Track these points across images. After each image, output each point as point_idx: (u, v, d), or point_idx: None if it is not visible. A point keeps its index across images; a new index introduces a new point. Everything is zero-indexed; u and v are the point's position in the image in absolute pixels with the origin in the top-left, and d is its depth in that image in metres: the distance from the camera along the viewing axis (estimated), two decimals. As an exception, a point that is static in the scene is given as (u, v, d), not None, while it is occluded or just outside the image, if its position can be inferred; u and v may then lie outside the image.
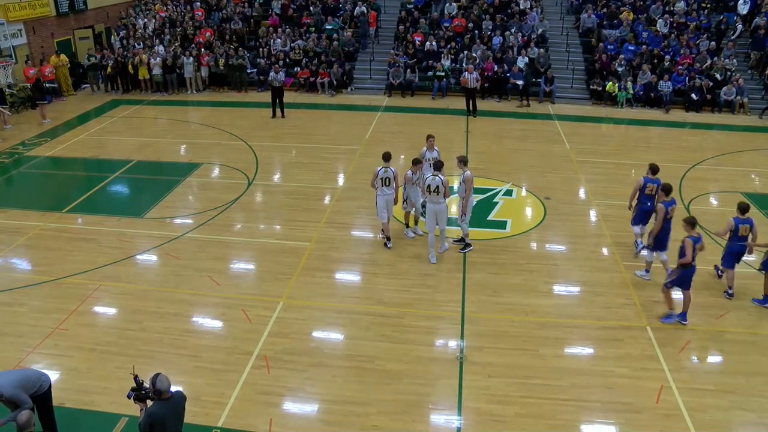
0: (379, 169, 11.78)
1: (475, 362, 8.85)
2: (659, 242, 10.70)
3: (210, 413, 7.86)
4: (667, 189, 10.62)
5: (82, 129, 19.75)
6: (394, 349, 9.12)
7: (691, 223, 9.51)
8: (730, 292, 10.47)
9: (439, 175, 11.16)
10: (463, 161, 11.57)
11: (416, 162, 11.92)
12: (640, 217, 11.62)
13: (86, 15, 26.96)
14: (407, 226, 12.62)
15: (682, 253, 9.39)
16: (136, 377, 6.20)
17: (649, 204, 11.36)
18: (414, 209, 12.43)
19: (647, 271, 11.06)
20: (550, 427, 7.72)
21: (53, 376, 8.00)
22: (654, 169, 11.31)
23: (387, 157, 11.89)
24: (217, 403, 8.04)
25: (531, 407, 8.02)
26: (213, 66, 24.02)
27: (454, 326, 9.68)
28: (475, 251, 11.87)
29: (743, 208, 10.28)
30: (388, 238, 12.08)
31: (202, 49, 24.29)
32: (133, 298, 10.44)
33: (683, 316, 9.75)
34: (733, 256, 10.45)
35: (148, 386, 6.12)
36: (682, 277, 9.56)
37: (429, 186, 11.18)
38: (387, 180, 11.73)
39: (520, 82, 22.46)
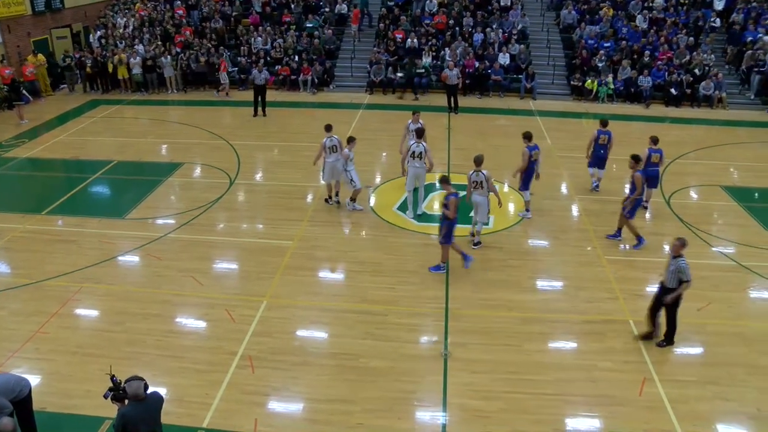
0: (324, 140, 13.25)
1: (459, 358, 8.89)
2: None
3: (195, 414, 7.82)
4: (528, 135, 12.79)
5: (62, 130, 19.51)
6: (379, 346, 9.13)
7: (446, 181, 10.86)
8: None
9: (422, 143, 12.75)
10: (474, 160, 11.66)
11: (351, 140, 13.18)
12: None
13: (63, 14, 26.61)
14: (352, 200, 13.60)
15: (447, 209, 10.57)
16: (113, 377, 6.15)
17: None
18: (355, 185, 13.33)
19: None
20: (534, 422, 7.77)
21: (34, 380, 7.92)
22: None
23: (329, 127, 13.49)
24: (201, 403, 7.99)
25: (515, 402, 8.07)
26: (195, 65, 23.80)
27: (438, 323, 9.71)
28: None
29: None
30: (330, 197, 13.75)
31: (220, 56, 23.91)
32: (115, 299, 10.34)
33: (439, 267, 11.04)
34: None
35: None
36: (451, 230, 10.67)
37: (413, 152, 12.67)
38: (334, 147, 13.23)
39: (419, 77, 23.06)
